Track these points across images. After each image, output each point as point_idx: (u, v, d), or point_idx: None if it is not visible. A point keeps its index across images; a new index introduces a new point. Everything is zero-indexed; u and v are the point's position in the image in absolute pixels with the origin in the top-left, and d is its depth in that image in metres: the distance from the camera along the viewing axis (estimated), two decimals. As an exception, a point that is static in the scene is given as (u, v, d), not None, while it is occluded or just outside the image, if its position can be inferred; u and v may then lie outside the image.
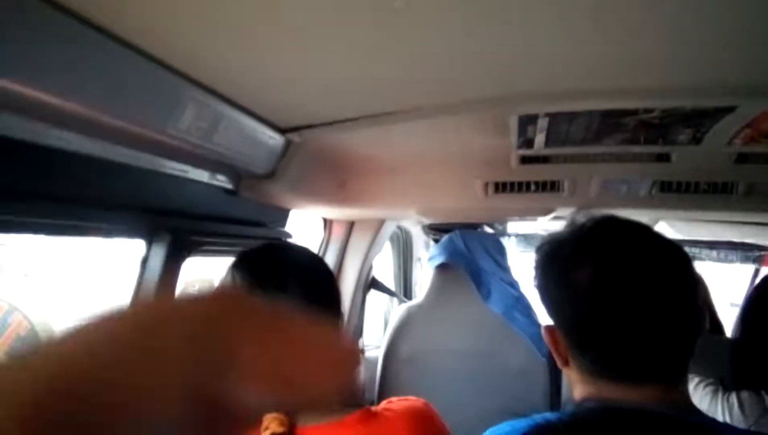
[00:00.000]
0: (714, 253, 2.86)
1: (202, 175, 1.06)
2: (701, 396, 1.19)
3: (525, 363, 1.81)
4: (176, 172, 1.00)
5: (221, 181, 1.13)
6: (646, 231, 0.79)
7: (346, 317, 1.83)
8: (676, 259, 0.76)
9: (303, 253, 1.02)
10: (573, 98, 0.98)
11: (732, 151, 1.19)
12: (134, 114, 0.74)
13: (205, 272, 1.34)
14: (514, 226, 2.67)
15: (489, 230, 2.51)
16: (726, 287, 3.15)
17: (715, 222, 2.26)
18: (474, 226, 2.24)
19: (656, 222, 2.33)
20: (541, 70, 0.90)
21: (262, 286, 0.87)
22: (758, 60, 0.79)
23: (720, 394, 1.17)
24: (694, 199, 1.31)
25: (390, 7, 0.63)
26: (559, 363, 0.81)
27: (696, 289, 0.76)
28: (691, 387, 1.21)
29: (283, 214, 1.41)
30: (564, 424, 0.70)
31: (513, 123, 1.10)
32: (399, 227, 2.58)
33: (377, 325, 2.39)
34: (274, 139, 1.07)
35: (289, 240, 1.43)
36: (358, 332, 2.03)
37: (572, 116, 1.06)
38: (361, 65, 0.86)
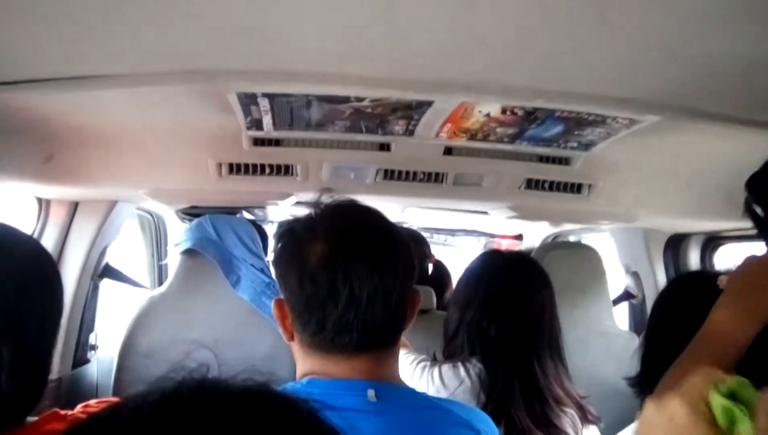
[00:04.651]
0: (455, 238, 3.28)
1: None
2: (413, 370, 1.31)
3: (272, 347, 1.80)
4: None
5: None
6: (376, 216, 0.85)
7: (68, 310, 1.62)
8: (395, 243, 0.83)
9: None
10: (286, 79, 0.98)
11: (440, 144, 1.32)
12: None
13: None
14: (279, 214, 2.66)
15: (248, 216, 2.46)
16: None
17: (453, 210, 2.53)
18: (232, 213, 2.16)
19: (404, 209, 2.53)
20: (254, 48, 0.88)
21: None
22: (450, 59, 0.88)
23: (427, 369, 1.29)
24: (413, 187, 1.44)
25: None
26: (285, 337, 0.85)
27: (410, 273, 0.83)
28: (407, 362, 1.33)
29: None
30: None
31: (234, 101, 1.07)
32: (150, 212, 2.38)
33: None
34: (-70, 95, 0.88)
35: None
36: (89, 326, 1.81)
37: (291, 98, 1.06)
38: (48, 18, 0.75)
